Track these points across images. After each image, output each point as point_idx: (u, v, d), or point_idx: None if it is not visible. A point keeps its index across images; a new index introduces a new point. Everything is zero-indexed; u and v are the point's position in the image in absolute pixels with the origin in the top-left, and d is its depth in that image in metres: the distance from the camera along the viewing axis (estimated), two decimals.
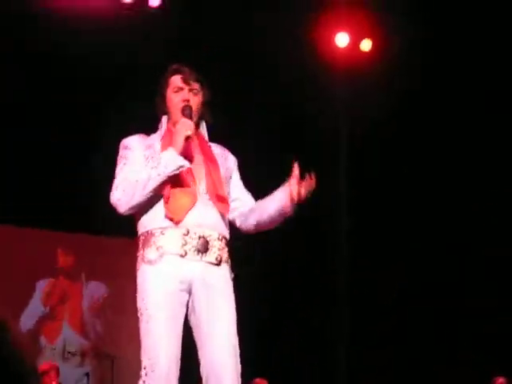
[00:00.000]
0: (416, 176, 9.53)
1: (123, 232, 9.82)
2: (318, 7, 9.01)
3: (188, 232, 3.24)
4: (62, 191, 8.99)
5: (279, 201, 3.35)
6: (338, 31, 9.50)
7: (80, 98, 8.56)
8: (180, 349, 3.21)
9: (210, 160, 3.41)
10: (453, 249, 9.29)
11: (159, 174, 3.21)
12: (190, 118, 3.35)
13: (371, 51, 9.46)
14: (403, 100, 9.01)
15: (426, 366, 9.40)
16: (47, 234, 9.72)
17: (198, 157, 3.38)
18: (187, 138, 3.28)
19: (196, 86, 3.43)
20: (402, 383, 9.30)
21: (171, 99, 3.43)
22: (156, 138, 3.43)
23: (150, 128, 3.52)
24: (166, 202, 3.25)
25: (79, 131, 8.72)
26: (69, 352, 9.23)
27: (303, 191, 3.30)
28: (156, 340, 3.17)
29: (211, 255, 3.26)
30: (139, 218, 3.35)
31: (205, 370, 3.23)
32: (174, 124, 3.39)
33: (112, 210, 3.32)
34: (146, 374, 3.16)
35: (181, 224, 3.25)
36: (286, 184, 3.33)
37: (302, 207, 3.38)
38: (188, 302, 3.28)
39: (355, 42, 9.52)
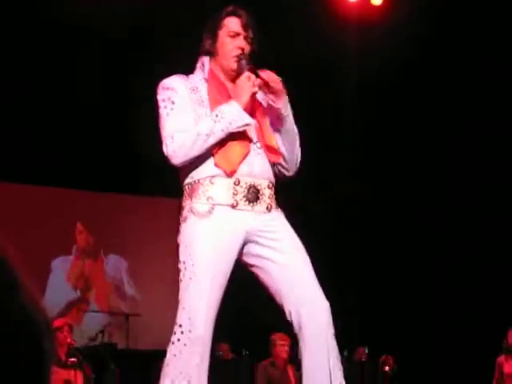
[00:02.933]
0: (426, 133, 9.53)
1: (146, 190, 9.81)
2: None
3: (239, 182, 3.13)
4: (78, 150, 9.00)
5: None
6: None
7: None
8: (218, 308, 3.09)
9: (258, 109, 3.28)
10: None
11: (223, 130, 3.08)
12: (254, 71, 3.20)
13: (382, 5, 9.36)
14: (413, 53, 8.93)
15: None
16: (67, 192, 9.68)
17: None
18: (253, 95, 3.18)
19: (251, 34, 3.28)
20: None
21: (225, 43, 3.26)
22: (198, 80, 3.27)
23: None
24: (216, 153, 3.13)
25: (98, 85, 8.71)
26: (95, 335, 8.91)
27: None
28: (200, 299, 3.04)
29: (262, 204, 3.16)
30: (184, 168, 3.18)
31: (297, 313, 3.11)
32: (220, 67, 3.28)
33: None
34: (182, 333, 3.03)
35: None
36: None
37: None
38: (242, 255, 3.18)
39: None
